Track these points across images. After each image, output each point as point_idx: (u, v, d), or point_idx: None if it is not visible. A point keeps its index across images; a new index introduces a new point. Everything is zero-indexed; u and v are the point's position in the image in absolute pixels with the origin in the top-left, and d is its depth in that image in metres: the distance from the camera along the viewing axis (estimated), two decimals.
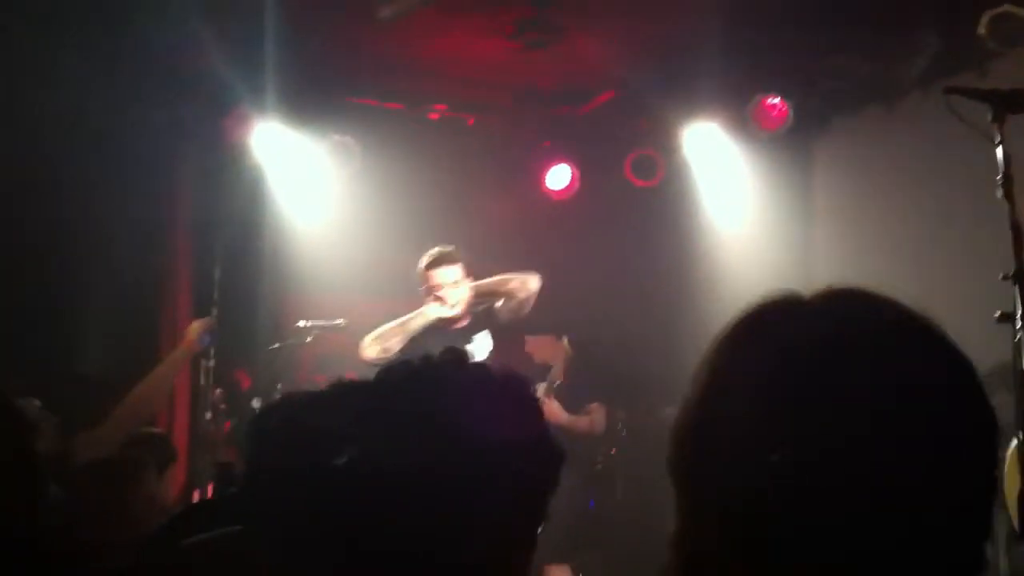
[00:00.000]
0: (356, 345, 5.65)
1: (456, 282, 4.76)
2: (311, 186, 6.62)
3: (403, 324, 4.77)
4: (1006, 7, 4.71)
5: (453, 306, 4.74)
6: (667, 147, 6.53)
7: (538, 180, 6.92)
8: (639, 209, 6.70)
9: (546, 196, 6.92)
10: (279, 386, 5.59)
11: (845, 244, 6.12)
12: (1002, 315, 2.56)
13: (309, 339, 5.84)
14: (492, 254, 6.57)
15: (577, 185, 6.87)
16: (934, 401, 0.78)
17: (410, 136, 6.40)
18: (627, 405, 6.01)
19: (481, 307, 4.91)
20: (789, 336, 0.82)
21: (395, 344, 4.74)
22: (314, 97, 6.30)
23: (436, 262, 4.79)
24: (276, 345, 5.92)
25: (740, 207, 6.48)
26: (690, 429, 0.86)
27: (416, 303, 5.06)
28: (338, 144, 6.50)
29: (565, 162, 6.87)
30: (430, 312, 4.75)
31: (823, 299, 0.87)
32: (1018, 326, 2.51)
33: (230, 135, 6.26)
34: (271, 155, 6.42)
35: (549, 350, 5.09)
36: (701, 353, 0.89)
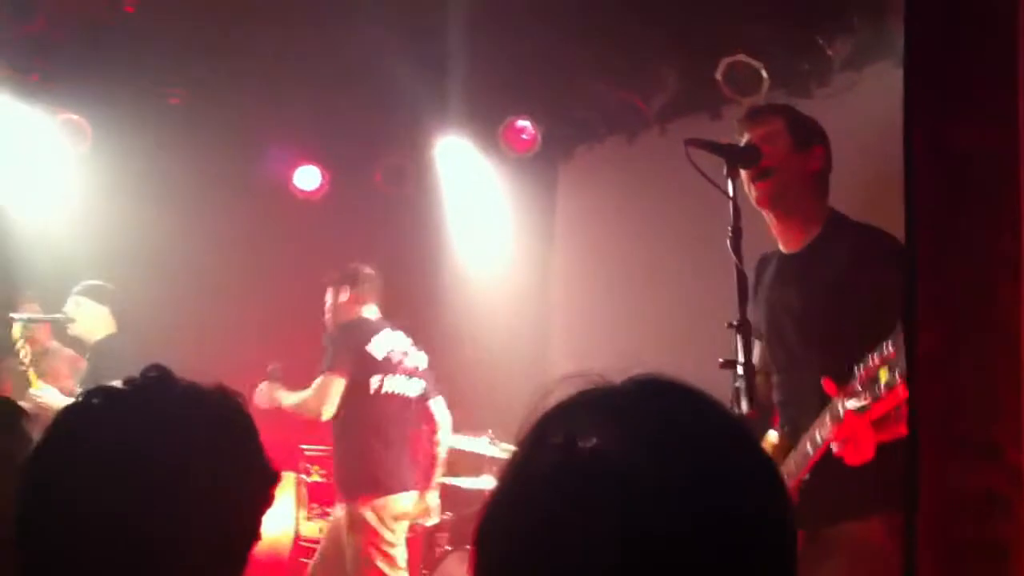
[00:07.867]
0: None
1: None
2: (37, 164, 6.11)
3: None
4: (741, 56, 4.86)
5: None
6: (419, 157, 6.53)
7: (286, 179, 6.75)
8: (389, 216, 6.66)
9: (293, 196, 6.76)
10: None
11: (580, 269, 6.33)
12: (725, 362, 2.60)
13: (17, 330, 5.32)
14: (234, 254, 6.34)
15: (328, 187, 6.77)
16: (737, 511, 0.78)
17: (148, 120, 6.04)
18: None
19: None
20: (597, 432, 0.80)
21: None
22: (43, 69, 5.81)
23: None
24: None
25: (486, 224, 6.57)
26: (489, 520, 0.85)
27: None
28: (67, 122, 6.05)
29: (314, 163, 6.75)
30: None
31: (634, 391, 0.84)
32: (739, 372, 2.57)
33: None
34: None
35: None
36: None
